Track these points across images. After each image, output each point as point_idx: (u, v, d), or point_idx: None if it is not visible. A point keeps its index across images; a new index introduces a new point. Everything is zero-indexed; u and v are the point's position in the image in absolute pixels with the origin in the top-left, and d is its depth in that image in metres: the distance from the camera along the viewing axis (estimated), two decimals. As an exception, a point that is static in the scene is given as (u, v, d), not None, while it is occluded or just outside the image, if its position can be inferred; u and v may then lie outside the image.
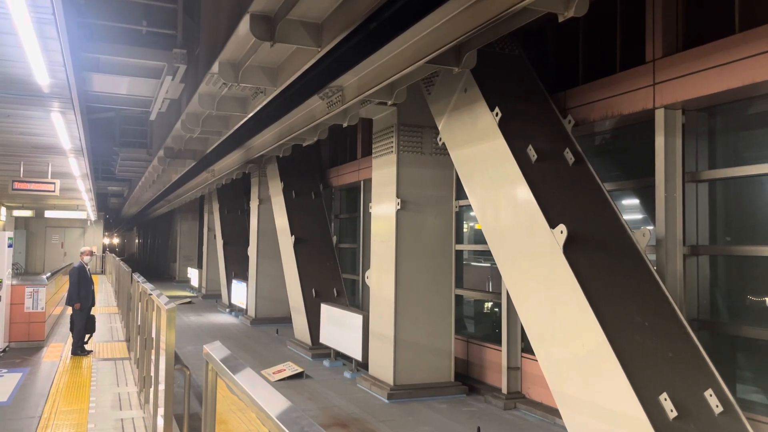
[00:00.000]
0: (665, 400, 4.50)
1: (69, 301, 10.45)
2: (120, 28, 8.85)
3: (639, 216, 7.26)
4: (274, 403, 1.91)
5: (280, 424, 1.71)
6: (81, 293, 10.41)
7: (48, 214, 30.87)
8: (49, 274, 16.10)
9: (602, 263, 5.41)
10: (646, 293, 5.31)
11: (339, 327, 10.12)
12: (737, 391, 5.74)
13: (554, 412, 7.03)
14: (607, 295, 5.14)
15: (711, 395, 4.63)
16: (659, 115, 6.09)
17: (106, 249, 43.80)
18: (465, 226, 10.08)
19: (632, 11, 6.69)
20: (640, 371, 4.66)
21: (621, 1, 6.91)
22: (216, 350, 2.77)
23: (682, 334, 5.06)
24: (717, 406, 4.59)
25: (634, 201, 7.34)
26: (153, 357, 6.22)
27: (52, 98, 8.38)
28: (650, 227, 6.31)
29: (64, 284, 19.61)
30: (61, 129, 10.35)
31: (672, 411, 4.45)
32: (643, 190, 6.86)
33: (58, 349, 10.85)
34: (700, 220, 6.18)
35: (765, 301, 5.85)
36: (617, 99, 6.57)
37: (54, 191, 14.68)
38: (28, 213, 31.48)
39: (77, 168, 15.23)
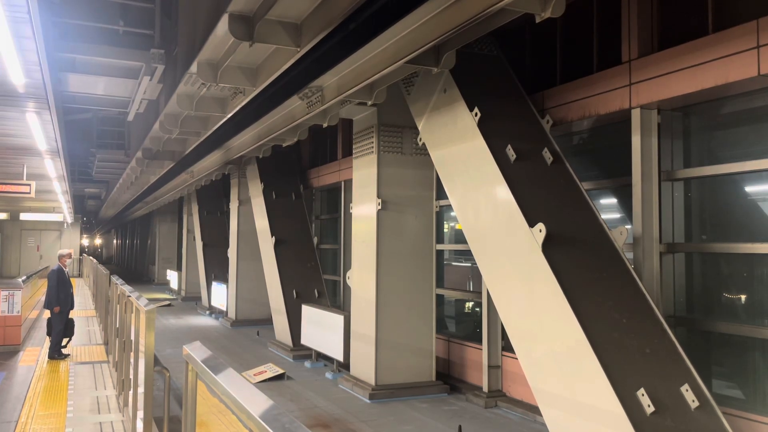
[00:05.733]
0: (643, 395, 4.56)
1: (48, 305, 10.29)
2: (96, 28, 8.76)
3: (616, 214, 7.35)
4: (256, 401, 1.91)
5: (262, 422, 1.71)
6: (60, 296, 10.27)
7: (23, 216, 30.40)
8: (25, 277, 15.87)
9: (581, 261, 5.47)
10: (624, 291, 5.39)
11: (320, 328, 10.10)
12: (713, 386, 5.84)
13: (535, 410, 7.09)
14: (586, 292, 5.20)
15: (687, 390, 4.71)
16: (635, 115, 6.17)
17: (84, 252, 43.24)
18: (445, 226, 10.13)
19: (609, 12, 6.77)
20: (618, 367, 4.73)
21: (597, 2, 7.00)
22: (196, 351, 2.76)
23: (659, 331, 5.14)
24: (693, 401, 4.67)
25: (612, 200, 7.43)
26: (132, 360, 6.16)
27: (28, 98, 8.27)
28: (627, 226, 6.40)
29: (40, 287, 19.32)
30: (37, 130, 10.21)
31: (649, 406, 4.52)
32: (620, 189, 6.96)
33: (34, 353, 10.69)
34: (676, 218, 6.28)
35: (739, 297, 5.96)
36: (594, 99, 6.65)
37: (29, 193, 14.46)
38: (2, 215, 30.98)
39: (53, 169, 15.03)
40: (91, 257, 26.22)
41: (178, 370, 8.45)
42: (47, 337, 10.33)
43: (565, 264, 5.30)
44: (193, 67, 7.54)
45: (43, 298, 11.03)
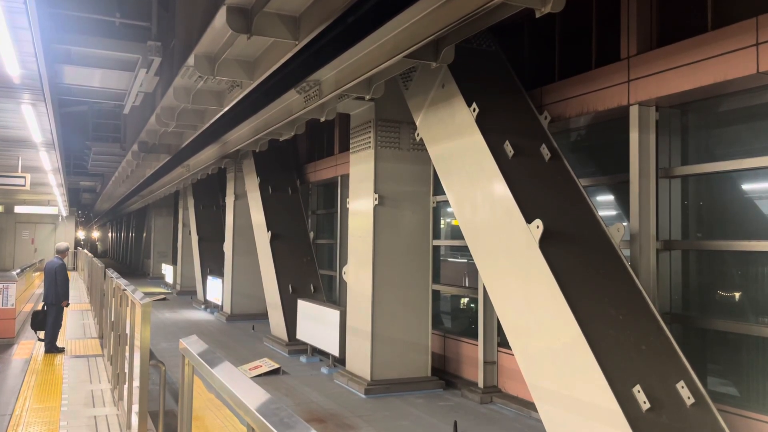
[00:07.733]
0: (638, 392, 4.57)
1: (52, 299, 10.13)
2: (93, 20, 8.70)
3: (613, 211, 7.35)
4: (253, 395, 1.90)
5: (260, 417, 1.69)
6: (64, 290, 10.24)
7: (18, 209, 30.24)
8: (19, 270, 15.82)
9: (578, 258, 5.47)
10: (620, 287, 5.39)
11: (316, 323, 10.09)
12: (708, 383, 5.85)
13: (530, 406, 7.09)
14: (582, 289, 5.20)
15: (683, 387, 4.72)
16: (633, 112, 6.17)
17: (78, 245, 43.10)
18: (442, 221, 10.12)
19: (608, 8, 6.76)
20: (614, 364, 4.73)
21: (597, -1, 6.99)
22: (193, 344, 2.74)
23: (655, 328, 5.14)
24: (689, 398, 4.67)
25: (609, 196, 7.43)
26: (127, 353, 6.13)
27: (23, 90, 8.21)
28: (624, 222, 6.40)
29: (35, 281, 19.26)
30: (32, 122, 10.14)
31: (645, 403, 4.52)
32: (618, 186, 6.95)
33: (28, 347, 10.65)
34: (672, 216, 6.28)
35: (735, 295, 5.97)
36: (593, 95, 6.64)
37: (24, 186, 14.37)
38: (-3, 208, 30.84)
39: (48, 162, 14.94)
40: (86, 251, 26.10)
41: (173, 364, 8.45)
42: (34, 331, 10.22)
43: (562, 260, 5.30)
44: (191, 60, 7.50)
45: (38, 291, 10.98)
